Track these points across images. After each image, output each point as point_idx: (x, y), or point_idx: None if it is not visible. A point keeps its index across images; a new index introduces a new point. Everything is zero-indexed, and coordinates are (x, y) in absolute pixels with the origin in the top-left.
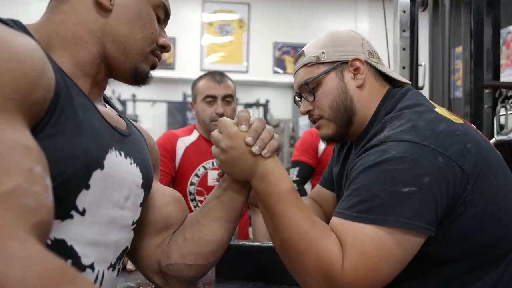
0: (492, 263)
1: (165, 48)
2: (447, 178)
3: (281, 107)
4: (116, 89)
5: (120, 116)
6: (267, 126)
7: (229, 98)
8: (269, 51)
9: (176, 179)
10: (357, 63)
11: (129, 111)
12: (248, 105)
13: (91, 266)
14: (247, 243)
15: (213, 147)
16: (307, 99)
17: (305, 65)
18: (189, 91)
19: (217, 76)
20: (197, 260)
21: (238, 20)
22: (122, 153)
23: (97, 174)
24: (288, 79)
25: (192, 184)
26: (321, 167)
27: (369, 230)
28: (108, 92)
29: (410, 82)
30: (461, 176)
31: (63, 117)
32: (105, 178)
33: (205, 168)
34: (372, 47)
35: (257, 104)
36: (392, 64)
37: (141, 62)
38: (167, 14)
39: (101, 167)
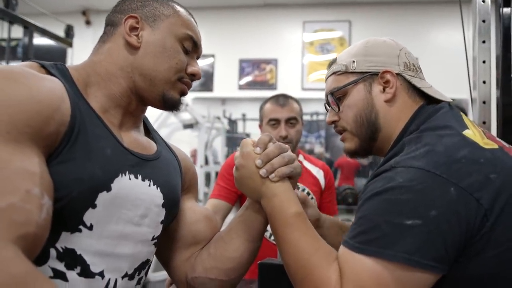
0: None
1: (194, 76)
2: (458, 212)
3: None
4: (227, 109)
5: (155, 142)
6: (285, 153)
7: (293, 121)
8: None
9: (243, 196)
10: (388, 76)
11: (240, 129)
12: None
13: (101, 274)
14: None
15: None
16: (333, 109)
17: (334, 73)
18: None
19: (281, 99)
20: (219, 275)
21: (339, 38)
22: (139, 176)
23: (103, 195)
24: None
25: None
26: None
27: (368, 262)
28: (219, 112)
29: (450, 100)
30: (476, 210)
31: (76, 146)
32: (112, 199)
33: None
34: (412, 58)
35: None
36: (471, 78)
37: (168, 90)
38: (195, 45)
39: (108, 189)
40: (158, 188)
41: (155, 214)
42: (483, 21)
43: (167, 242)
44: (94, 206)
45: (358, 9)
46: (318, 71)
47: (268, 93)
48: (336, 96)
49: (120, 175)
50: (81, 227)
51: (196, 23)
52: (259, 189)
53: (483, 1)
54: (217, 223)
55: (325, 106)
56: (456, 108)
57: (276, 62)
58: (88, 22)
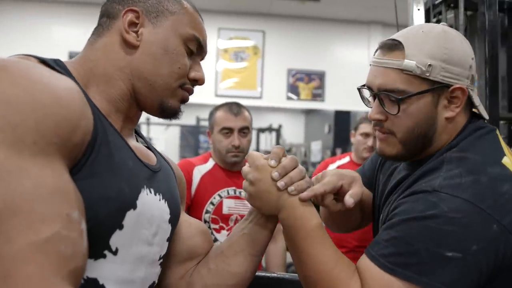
0: None
1: (197, 81)
2: (497, 250)
3: (294, 132)
4: None
5: (149, 149)
6: (300, 167)
7: (245, 130)
8: (283, 78)
9: (192, 207)
10: (459, 93)
11: (143, 133)
12: (261, 130)
13: None
14: (262, 274)
15: (244, 181)
16: (384, 108)
17: (400, 68)
18: (202, 115)
19: (234, 108)
20: None
21: (253, 47)
22: (152, 190)
23: (130, 214)
24: (301, 105)
25: (207, 212)
26: None
27: (396, 284)
28: None
29: (487, 117)
30: None
31: (99, 158)
32: (137, 217)
33: (221, 197)
34: (475, 68)
35: (269, 129)
36: None
37: (168, 97)
38: (200, 46)
39: (134, 207)
40: (166, 202)
41: (163, 231)
42: None
43: None
44: (121, 227)
45: (272, 20)
46: (231, 78)
47: None
48: (398, 98)
49: (142, 190)
50: (106, 252)
51: (202, 20)
52: (279, 202)
53: (418, 9)
54: (211, 237)
55: (360, 91)
56: (492, 127)
57: None
58: None
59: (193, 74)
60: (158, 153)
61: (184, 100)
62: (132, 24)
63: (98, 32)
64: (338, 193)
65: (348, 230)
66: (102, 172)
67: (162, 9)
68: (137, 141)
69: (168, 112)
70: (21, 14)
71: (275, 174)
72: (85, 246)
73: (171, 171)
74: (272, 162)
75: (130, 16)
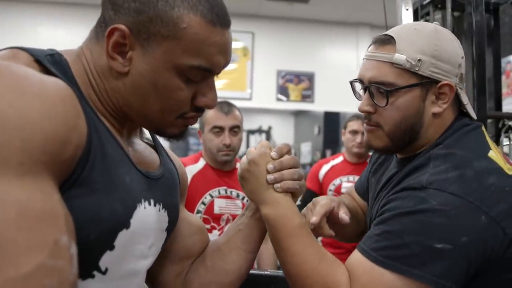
0: None
1: (205, 107)
2: (486, 240)
3: (284, 133)
4: None
5: (156, 150)
6: (298, 169)
7: (236, 129)
8: (273, 79)
9: None
10: (446, 89)
11: None
12: (250, 132)
13: None
14: (255, 272)
15: (243, 157)
16: (373, 101)
17: (391, 62)
18: None
19: (224, 107)
20: None
21: (242, 48)
22: (152, 201)
23: (122, 234)
24: (291, 106)
25: (198, 212)
26: (322, 192)
27: (388, 277)
28: None
29: (475, 117)
30: (502, 239)
31: (94, 174)
32: (130, 235)
33: (212, 196)
34: (464, 67)
35: (259, 131)
36: None
37: (164, 127)
38: (208, 72)
39: (127, 226)
40: (166, 211)
41: (159, 240)
42: None
43: None
44: (112, 248)
45: (261, 21)
46: (221, 79)
47: None
48: (387, 90)
49: (138, 206)
50: (95, 272)
51: (227, 26)
52: (261, 193)
53: (407, 9)
54: (208, 235)
55: (352, 85)
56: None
57: None
58: None
59: (198, 102)
60: (164, 150)
61: (186, 126)
62: (118, 45)
63: (97, 33)
64: (329, 216)
65: (357, 240)
66: (96, 190)
67: (154, 32)
68: (141, 139)
69: (168, 137)
70: (6, 15)
71: (270, 166)
72: (74, 272)
73: (174, 171)
74: (274, 154)
75: (116, 37)
